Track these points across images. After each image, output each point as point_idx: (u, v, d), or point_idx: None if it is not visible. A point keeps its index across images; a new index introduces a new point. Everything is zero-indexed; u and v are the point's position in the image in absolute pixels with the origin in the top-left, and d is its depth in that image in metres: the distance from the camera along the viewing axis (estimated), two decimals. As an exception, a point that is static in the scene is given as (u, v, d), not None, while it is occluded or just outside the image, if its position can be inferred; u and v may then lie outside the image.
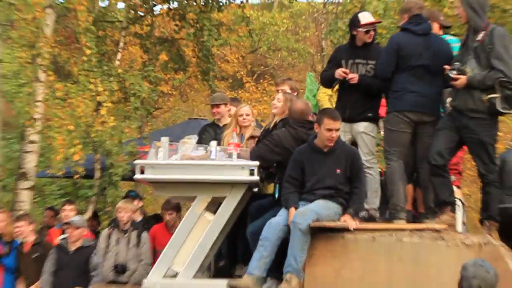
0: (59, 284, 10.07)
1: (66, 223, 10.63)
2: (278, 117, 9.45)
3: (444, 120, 8.92)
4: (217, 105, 10.75)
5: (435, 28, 9.56)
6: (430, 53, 8.95)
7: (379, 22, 10.39)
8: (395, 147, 8.97)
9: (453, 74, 8.47)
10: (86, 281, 10.10)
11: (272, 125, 9.44)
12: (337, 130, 8.55)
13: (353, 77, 9.42)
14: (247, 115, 9.95)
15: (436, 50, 8.98)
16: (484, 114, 8.43)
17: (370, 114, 9.42)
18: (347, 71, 9.47)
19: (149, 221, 11.91)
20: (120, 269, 10.72)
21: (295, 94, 10.54)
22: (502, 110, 8.35)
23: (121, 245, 10.88)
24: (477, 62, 8.46)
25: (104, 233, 11.15)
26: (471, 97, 8.46)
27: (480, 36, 8.47)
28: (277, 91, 10.67)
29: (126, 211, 11.01)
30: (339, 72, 9.48)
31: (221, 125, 10.48)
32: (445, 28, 9.97)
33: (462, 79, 8.43)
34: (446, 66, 8.63)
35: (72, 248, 10.49)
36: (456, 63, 8.53)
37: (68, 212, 11.70)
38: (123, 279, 10.62)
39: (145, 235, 10.99)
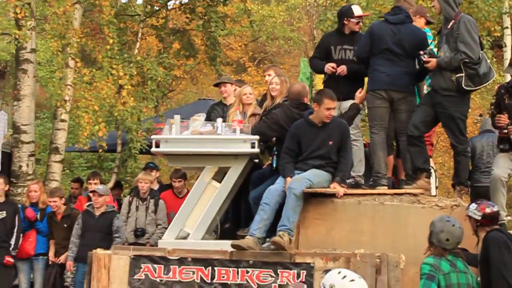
0: (85, 244, 10.02)
1: (92, 191, 10.59)
2: (279, 98, 9.36)
3: (424, 97, 9.00)
4: (224, 84, 10.64)
5: (421, 22, 9.59)
6: (397, 39, 8.89)
7: (367, 15, 10.37)
8: (376, 121, 8.94)
9: (424, 57, 8.53)
10: (109, 242, 10.04)
11: (274, 105, 9.35)
12: (334, 108, 8.52)
13: (342, 70, 9.40)
14: (250, 94, 9.87)
15: (404, 37, 8.90)
16: (454, 92, 8.44)
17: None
18: (334, 65, 9.43)
19: (165, 189, 11.84)
20: (140, 232, 10.72)
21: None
22: (466, 88, 8.38)
23: (140, 211, 10.86)
24: (448, 47, 8.48)
25: (125, 200, 11.15)
26: (442, 77, 8.49)
27: (450, 24, 8.49)
28: (265, 76, 10.62)
29: (146, 181, 11.01)
30: (328, 68, 9.46)
31: (227, 104, 10.38)
32: (429, 23, 9.97)
33: (433, 62, 8.50)
34: (421, 52, 8.60)
35: (97, 213, 10.47)
36: (428, 48, 8.60)
37: (93, 185, 11.68)
38: (143, 241, 10.61)
39: (161, 202, 10.95)
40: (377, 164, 8.91)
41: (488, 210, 7.10)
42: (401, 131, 8.97)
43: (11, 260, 10.58)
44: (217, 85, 10.92)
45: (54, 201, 10.88)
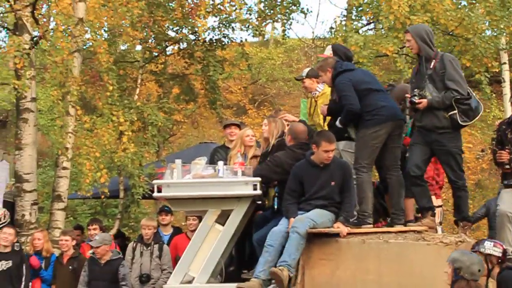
0: None
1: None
2: (272, 139, 9.38)
3: (415, 136, 8.92)
4: (234, 126, 10.65)
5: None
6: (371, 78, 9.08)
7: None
8: (367, 160, 8.82)
9: (415, 99, 8.54)
10: None
11: (270, 147, 9.37)
12: (333, 151, 8.53)
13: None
14: (252, 136, 9.89)
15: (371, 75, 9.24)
16: (449, 129, 8.50)
17: (346, 135, 9.30)
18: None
19: (178, 232, 11.80)
20: (145, 278, 10.70)
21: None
22: (462, 123, 8.47)
23: (145, 257, 10.85)
24: (434, 86, 8.54)
25: (129, 246, 11.14)
26: (435, 116, 8.51)
27: (432, 63, 8.56)
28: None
29: (149, 227, 11.00)
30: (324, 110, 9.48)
31: (231, 147, 10.37)
32: None
33: (424, 102, 8.50)
34: (407, 95, 8.71)
35: (102, 261, 10.44)
36: (416, 90, 8.59)
37: (93, 231, 11.72)
38: (148, 287, 10.56)
39: (165, 247, 10.96)
40: (364, 203, 8.75)
41: (504, 246, 7.14)
42: (390, 166, 8.96)
43: None
44: (225, 126, 10.93)
45: (66, 240, 10.93)
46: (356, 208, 8.86)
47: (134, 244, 11.03)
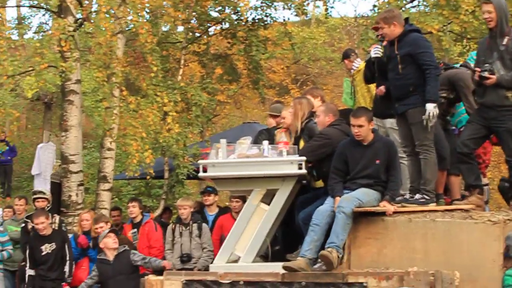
0: None
1: (112, 230, 10.49)
2: (300, 120, 9.32)
3: (473, 115, 8.75)
4: (276, 116, 10.56)
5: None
6: None
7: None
8: (432, 139, 8.65)
9: (485, 74, 8.28)
10: (134, 280, 9.98)
11: (299, 129, 9.32)
12: (359, 126, 8.39)
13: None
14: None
15: None
16: (510, 108, 8.28)
17: (393, 112, 9.15)
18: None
19: (224, 212, 11.81)
20: (186, 258, 10.72)
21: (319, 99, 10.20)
22: None
23: (184, 237, 10.86)
24: (502, 63, 8.31)
25: (169, 228, 11.11)
26: (497, 94, 8.30)
27: (505, 40, 8.31)
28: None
29: (185, 207, 11.00)
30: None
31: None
32: None
33: (493, 79, 8.26)
34: (477, 68, 8.42)
35: (111, 257, 10.24)
36: (486, 65, 8.32)
37: (132, 209, 11.77)
38: (190, 267, 10.61)
39: (205, 226, 10.97)
40: (429, 183, 8.63)
41: None
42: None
43: None
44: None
45: (101, 227, 10.95)
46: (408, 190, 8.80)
47: (173, 225, 11.06)
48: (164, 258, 10.76)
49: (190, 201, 11.46)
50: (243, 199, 11.13)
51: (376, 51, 9.24)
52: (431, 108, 8.36)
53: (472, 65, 8.93)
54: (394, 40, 8.68)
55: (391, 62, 8.74)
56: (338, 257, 8.09)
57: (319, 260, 8.24)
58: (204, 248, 10.81)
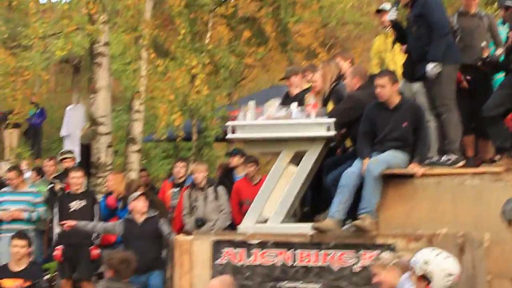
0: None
1: (143, 194, 10.41)
2: (328, 83, 9.30)
3: (505, 79, 8.65)
4: (287, 78, 10.55)
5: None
6: None
7: None
8: (453, 98, 8.67)
9: None
10: (158, 246, 10.07)
11: (327, 92, 9.29)
12: (382, 86, 8.35)
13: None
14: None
15: None
16: None
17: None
18: None
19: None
20: (200, 222, 10.73)
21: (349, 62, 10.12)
22: None
23: (200, 201, 10.90)
24: None
25: (185, 194, 11.10)
26: None
27: None
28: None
29: (199, 171, 11.01)
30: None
31: (292, 95, 10.25)
32: None
33: None
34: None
35: (139, 220, 10.13)
36: None
37: (180, 169, 11.84)
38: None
39: (220, 188, 10.98)
40: (454, 144, 8.66)
41: None
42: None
43: (98, 252, 10.79)
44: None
45: (133, 190, 10.99)
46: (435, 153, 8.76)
47: (189, 191, 11.07)
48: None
49: (204, 166, 11.47)
50: (257, 164, 11.18)
51: (391, 14, 9.22)
52: (430, 68, 8.42)
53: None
54: (409, 2, 8.67)
55: (408, 25, 8.81)
56: (372, 222, 8.12)
57: (346, 219, 8.28)
58: (222, 210, 10.85)
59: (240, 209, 10.64)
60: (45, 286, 8.93)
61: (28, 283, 8.11)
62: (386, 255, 7.15)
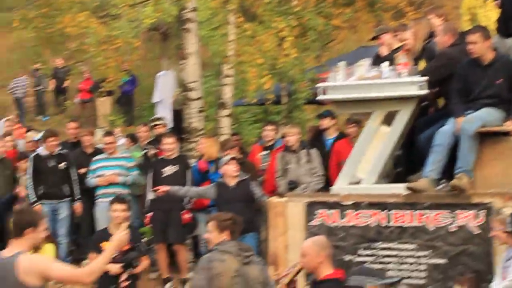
0: None
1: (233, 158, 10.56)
2: (417, 42, 9.13)
3: None
4: (378, 37, 10.41)
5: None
6: None
7: None
8: None
9: None
10: (251, 209, 10.18)
11: (419, 51, 9.14)
12: (473, 42, 8.16)
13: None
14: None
15: None
16: None
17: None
18: None
19: (341, 137, 11.72)
20: (292, 185, 10.74)
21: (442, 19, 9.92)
22: None
23: (292, 164, 10.89)
24: None
25: (278, 156, 11.13)
26: None
27: None
28: None
29: (292, 134, 10.99)
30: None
31: (383, 55, 10.13)
32: None
33: None
34: None
35: (232, 183, 10.32)
36: None
37: (268, 132, 11.94)
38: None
39: (313, 151, 10.93)
40: None
41: None
42: None
43: (189, 216, 10.98)
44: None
45: (226, 153, 11.12)
46: None
47: (282, 153, 11.08)
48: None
49: (296, 129, 11.43)
50: (359, 124, 11.12)
51: None
52: None
53: None
54: None
55: None
56: (468, 181, 8.01)
57: (440, 178, 8.19)
58: (314, 173, 10.82)
59: (338, 170, 10.61)
60: (144, 250, 9.11)
61: (127, 247, 8.27)
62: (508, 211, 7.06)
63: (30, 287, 5.58)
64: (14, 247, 5.74)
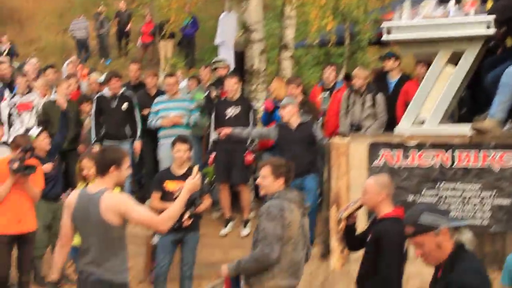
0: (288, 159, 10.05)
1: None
2: None
3: None
4: None
5: None
6: None
7: None
8: None
9: None
10: (312, 151, 10.17)
11: None
12: None
13: None
14: None
15: None
16: None
17: None
18: None
19: (407, 79, 11.58)
20: (354, 127, 10.69)
21: None
22: None
23: (357, 105, 10.83)
24: None
25: (344, 95, 11.07)
26: None
27: None
28: None
29: (359, 76, 10.89)
30: None
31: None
32: None
33: None
34: None
35: (294, 125, 10.32)
36: None
37: (329, 73, 12.02)
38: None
39: (379, 96, 10.81)
40: None
41: None
42: None
43: (252, 157, 11.04)
44: None
45: (292, 88, 11.10)
46: None
47: (348, 92, 11.02)
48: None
49: (366, 72, 11.28)
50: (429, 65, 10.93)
51: None
52: None
53: None
54: None
55: None
56: None
57: (509, 122, 8.08)
58: (377, 118, 10.73)
59: (405, 111, 10.51)
60: (206, 189, 9.20)
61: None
62: None
63: (111, 225, 5.72)
64: (98, 184, 5.88)
